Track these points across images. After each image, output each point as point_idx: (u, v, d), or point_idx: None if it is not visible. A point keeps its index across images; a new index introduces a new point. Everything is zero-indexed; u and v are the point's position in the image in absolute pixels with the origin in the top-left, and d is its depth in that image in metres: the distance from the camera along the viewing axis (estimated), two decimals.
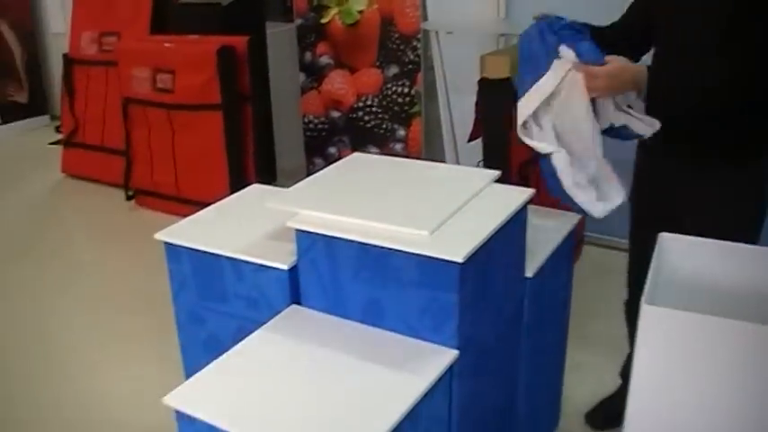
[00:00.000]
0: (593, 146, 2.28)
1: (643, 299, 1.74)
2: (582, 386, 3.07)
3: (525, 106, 2.29)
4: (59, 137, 6.41)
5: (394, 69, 4.82)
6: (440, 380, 1.83)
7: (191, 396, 1.77)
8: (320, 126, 5.23)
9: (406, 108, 4.84)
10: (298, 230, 2.02)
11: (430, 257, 1.81)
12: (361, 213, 1.97)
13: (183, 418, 1.74)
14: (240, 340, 1.97)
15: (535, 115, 2.30)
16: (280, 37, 5.38)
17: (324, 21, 5.01)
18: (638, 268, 2.62)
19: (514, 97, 2.37)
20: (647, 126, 2.29)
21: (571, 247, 2.62)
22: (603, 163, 2.33)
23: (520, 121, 2.30)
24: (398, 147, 4.94)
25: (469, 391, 2.03)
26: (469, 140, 3.73)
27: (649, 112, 2.34)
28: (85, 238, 5.14)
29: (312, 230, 1.98)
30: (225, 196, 2.62)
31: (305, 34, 5.13)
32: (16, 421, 3.08)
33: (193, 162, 5.04)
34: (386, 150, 4.96)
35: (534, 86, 2.27)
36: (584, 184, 2.32)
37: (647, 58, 2.45)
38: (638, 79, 2.31)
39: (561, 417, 2.90)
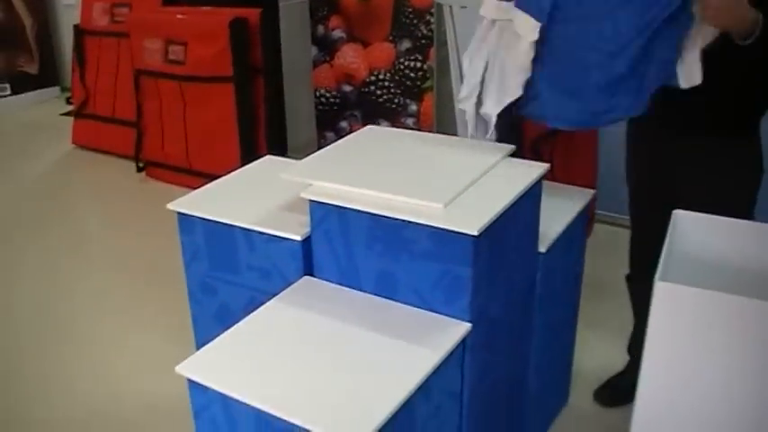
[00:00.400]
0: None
1: (657, 275, 1.74)
2: (592, 362, 3.06)
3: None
4: (70, 108, 6.40)
5: (407, 44, 4.78)
6: (452, 353, 1.83)
7: (203, 365, 1.77)
8: (332, 100, 5.20)
9: (419, 83, 4.81)
10: (311, 201, 2.01)
11: (444, 230, 1.81)
12: (375, 185, 1.97)
13: (195, 386, 1.75)
14: (252, 311, 1.98)
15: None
16: (292, 10, 5.34)
17: None
18: (638, 244, 2.65)
19: None
20: (686, 78, 2.17)
21: (584, 223, 2.61)
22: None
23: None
24: (410, 122, 4.91)
25: (481, 365, 2.03)
26: None
27: None
28: (95, 209, 5.14)
29: (326, 201, 1.97)
30: (235, 169, 2.62)
31: (318, 7, 5.09)
32: (21, 390, 3.09)
33: (204, 134, 5.03)
34: (398, 125, 4.93)
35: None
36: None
37: None
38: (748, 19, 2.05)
39: (571, 392, 2.91)
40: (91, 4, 5.83)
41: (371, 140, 2.38)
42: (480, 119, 2.43)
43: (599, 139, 3.91)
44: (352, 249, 2.00)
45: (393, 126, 4.89)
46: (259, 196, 2.33)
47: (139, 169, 5.42)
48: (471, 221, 1.79)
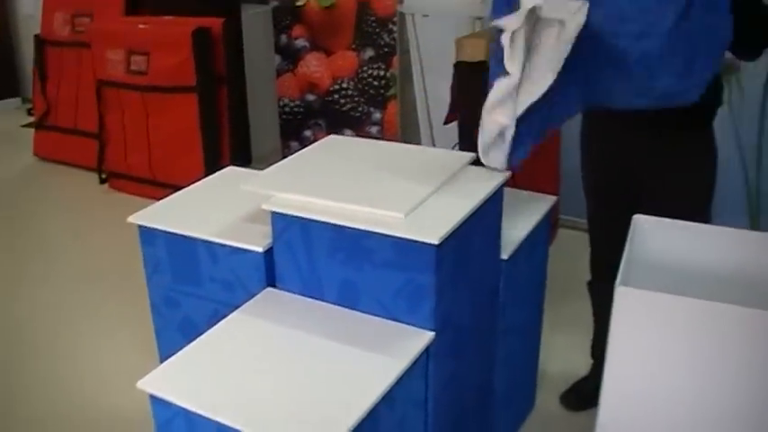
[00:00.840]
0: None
1: (617, 280, 1.76)
2: (558, 365, 3.09)
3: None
4: (31, 119, 6.33)
5: (370, 52, 4.79)
6: (416, 362, 1.83)
7: (165, 380, 1.76)
8: (296, 109, 5.20)
9: (382, 91, 4.82)
10: (273, 213, 2.01)
11: (405, 239, 1.81)
12: (337, 195, 1.97)
13: (157, 402, 1.73)
14: (215, 324, 1.97)
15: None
16: (255, 19, 5.34)
17: (299, 3, 4.97)
18: (598, 248, 2.67)
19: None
20: None
21: (546, 229, 2.63)
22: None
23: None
24: (374, 130, 4.92)
25: (446, 373, 2.03)
26: (445, 123, 3.72)
27: None
28: (58, 220, 5.08)
29: (287, 213, 1.97)
30: (200, 179, 2.61)
31: (281, 16, 5.09)
32: None
33: (168, 145, 5.00)
34: (362, 133, 4.94)
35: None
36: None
37: None
38: None
39: (538, 396, 2.92)
40: (52, 14, 5.77)
41: (333, 150, 2.38)
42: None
43: (560, 144, 3.95)
44: (314, 260, 1.99)
45: (357, 134, 4.90)
46: (221, 208, 2.32)
47: (102, 181, 5.38)
48: (432, 231, 1.79)
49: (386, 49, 4.74)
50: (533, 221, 2.43)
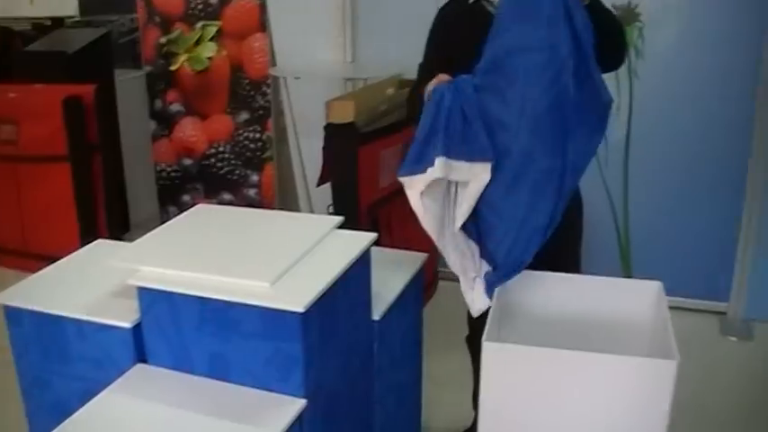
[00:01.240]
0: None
1: (483, 336, 1.82)
2: (443, 420, 3.12)
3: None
4: None
5: (245, 115, 4.82)
6: (288, 430, 1.83)
7: None
8: (173, 174, 5.17)
9: (259, 153, 4.85)
10: (139, 288, 1.99)
11: (271, 309, 1.83)
12: (202, 267, 1.97)
13: None
14: (87, 403, 1.93)
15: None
16: (129, 84, 5.30)
17: (173, 68, 4.98)
18: None
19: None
20: None
21: (419, 286, 2.68)
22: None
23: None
24: (252, 192, 4.93)
25: None
26: (318, 184, 3.75)
27: None
28: None
29: (153, 287, 1.96)
30: (76, 250, 2.56)
31: (154, 81, 5.08)
32: None
33: (41, 215, 4.88)
34: (240, 196, 4.95)
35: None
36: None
37: None
38: None
39: None
40: None
41: (201, 220, 2.38)
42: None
43: None
44: (183, 333, 1.98)
45: (235, 197, 4.90)
46: (89, 283, 2.28)
47: None
48: (298, 298, 1.81)
49: (261, 112, 4.77)
50: (405, 280, 2.48)
